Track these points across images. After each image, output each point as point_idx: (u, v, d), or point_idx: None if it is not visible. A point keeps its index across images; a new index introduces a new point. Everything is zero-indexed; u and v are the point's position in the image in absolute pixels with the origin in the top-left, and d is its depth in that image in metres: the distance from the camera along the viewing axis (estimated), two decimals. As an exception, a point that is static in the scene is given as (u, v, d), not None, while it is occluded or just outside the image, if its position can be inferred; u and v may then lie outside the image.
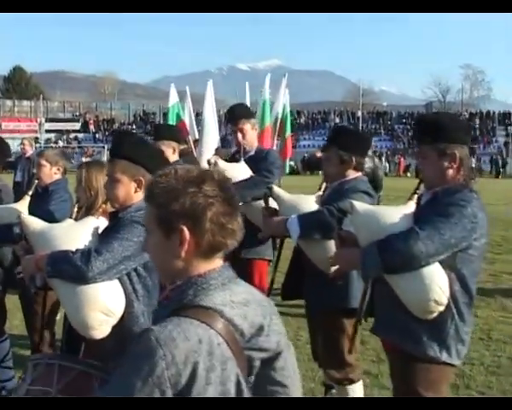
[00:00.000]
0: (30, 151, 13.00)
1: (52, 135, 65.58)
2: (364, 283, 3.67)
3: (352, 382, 4.42)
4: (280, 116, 12.16)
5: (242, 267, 5.28)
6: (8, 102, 74.03)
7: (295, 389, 2.19)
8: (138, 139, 3.91)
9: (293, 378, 2.19)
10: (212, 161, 5.52)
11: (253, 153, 5.72)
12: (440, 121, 3.46)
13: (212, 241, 1.98)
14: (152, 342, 1.81)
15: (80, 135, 67.18)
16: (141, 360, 1.82)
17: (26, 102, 73.53)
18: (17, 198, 5.34)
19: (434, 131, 3.37)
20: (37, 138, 59.42)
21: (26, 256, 3.67)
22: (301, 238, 4.21)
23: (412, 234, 3.16)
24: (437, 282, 3.18)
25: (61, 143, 63.59)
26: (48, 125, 66.17)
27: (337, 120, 65.63)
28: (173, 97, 11.75)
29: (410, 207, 3.52)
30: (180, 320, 1.88)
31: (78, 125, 68.56)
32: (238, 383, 1.90)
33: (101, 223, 3.71)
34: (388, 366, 3.82)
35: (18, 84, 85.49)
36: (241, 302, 2.01)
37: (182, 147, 9.52)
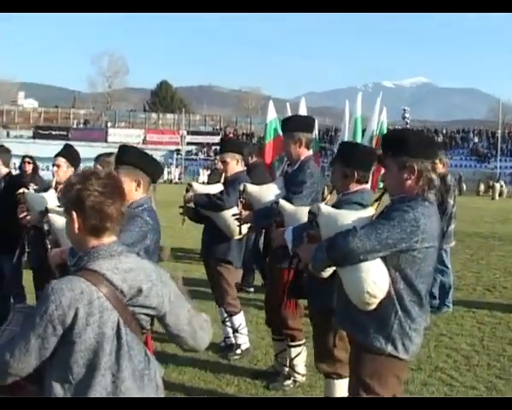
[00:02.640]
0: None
1: (193, 147, 68.07)
2: (315, 275, 4.12)
3: (340, 377, 4.77)
4: (376, 133, 12.40)
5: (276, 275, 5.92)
6: (154, 115, 77.75)
7: (193, 339, 3.00)
8: (137, 149, 4.68)
9: (190, 331, 2.96)
10: (241, 188, 6.07)
11: (296, 166, 5.92)
12: (403, 137, 3.84)
13: (94, 223, 2.71)
14: (48, 290, 2.59)
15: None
16: (41, 302, 2.61)
17: (169, 116, 76.88)
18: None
19: (396, 145, 3.75)
20: (178, 150, 62.02)
21: (54, 249, 4.56)
22: (294, 247, 4.65)
23: (352, 232, 3.59)
24: (372, 276, 3.54)
25: (201, 156, 66.02)
26: (189, 138, 68.67)
27: (476, 140, 63.91)
28: (271, 114, 12.26)
29: (369, 212, 3.90)
30: (72, 277, 2.65)
31: (217, 139, 70.71)
32: (118, 328, 2.65)
33: None
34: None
35: (164, 99, 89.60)
36: (124, 270, 2.70)
37: (254, 159, 10.11)
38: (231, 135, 70.25)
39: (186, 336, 2.95)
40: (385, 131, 13.35)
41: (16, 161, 14.17)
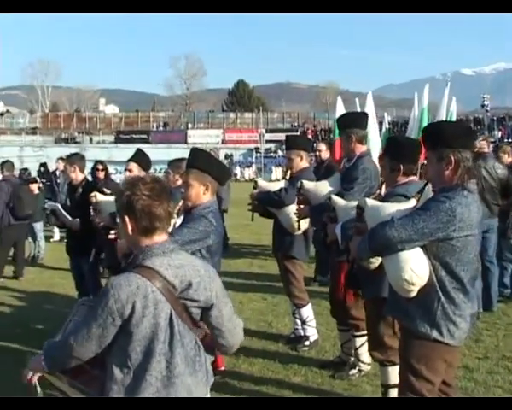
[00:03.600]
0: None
1: (272, 145, 68.33)
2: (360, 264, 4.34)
3: (393, 364, 4.92)
4: (446, 123, 12.39)
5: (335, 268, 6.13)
6: (232, 115, 78.49)
7: (231, 335, 3.28)
8: (207, 154, 4.90)
9: (229, 327, 3.23)
10: (298, 184, 6.29)
11: (352, 163, 6.02)
12: (439, 129, 4.00)
13: (145, 224, 3.02)
14: (108, 286, 2.92)
15: (298, 144, 69.00)
16: (102, 297, 2.94)
17: (247, 114, 77.41)
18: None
19: (433, 138, 3.90)
20: (257, 148, 62.38)
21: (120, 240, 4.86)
22: (344, 241, 4.84)
23: (389, 222, 3.79)
24: (410, 265, 3.72)
25: (280, 153, 66.24)
26: (268, 136, 68.84)
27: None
28: (340, 109, 12.37)
29: (411, 203, 4.04)
30: (129, 274, 2.96)
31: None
32: (170, 319, 2.97)
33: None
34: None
35: (241, 98, 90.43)
36: (176, 266, 3.01)
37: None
38: (309, 131, 70.32)
39: (225, 331, 3.23)
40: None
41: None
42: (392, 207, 4.09)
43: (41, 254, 14.11)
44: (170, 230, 4.57)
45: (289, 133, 69.89)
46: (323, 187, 6.10)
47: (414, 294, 3.80)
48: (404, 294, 3.85)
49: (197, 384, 3.10)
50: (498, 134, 52.75)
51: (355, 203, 4.80)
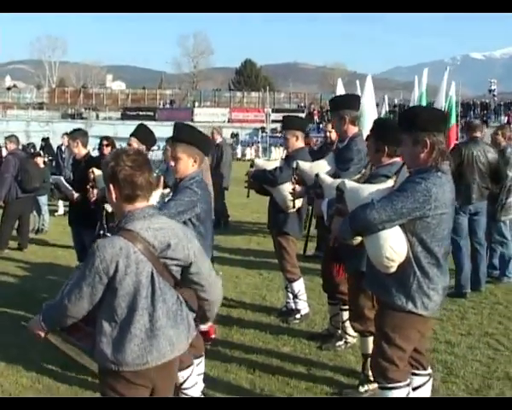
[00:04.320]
0: (219, 139, 14.52)
1: (278, 125, 68.22)
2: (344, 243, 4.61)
3: (372, 334, 5.19)
4: (446, 107, 12.63)
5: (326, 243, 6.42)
6: (239, 94, 78.45)
7: (212, 289, 3.65)
8: (191, 127, 5.15)
9: (209, 281, 3.60)
10: (294, 165, 6.55)
11: (345, 143, 6.30)
12: (415, 113, 4.28)
13: (127, 192, 3.34)
14: (94, 248, 3.24)
15: (305, 125, 69.01)
16: (89, 259, 3.27)
17: (254, 94, 77.35)
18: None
19: (409, 122, 4.16)
20: (263, 128, 62.41)
21: None
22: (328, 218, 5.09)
23: (370, 204, 4.05)
24: (389, 243, 4.00)
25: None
26: (274, 116, 68.67)
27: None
28: (340, 91, 12.61)
29: (389, 184, 4.31)
30: (113, 237, 3.30)
31: (302, 116, 70.52)
32: (151, 277, 3.30)
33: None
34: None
35: (248, 77, 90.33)
36: (155, 228, 3.34)
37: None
38: (316, 112, 70.27)
39: (206, 285, 3.59)
40: (454, 106, 13.60)
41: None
42: (370, 189, 4.36)
43: (45, 228, 14.41)
44: (158, 203, 4.89)
45: (295, 114, 70.39)
46: (318, 167, 6.34)
47: (393, 270, 4.08)
48: (384, 270, 4.13)
49: (178, 336, 3.45)
50: (505, 119, 52.75)
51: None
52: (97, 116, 69.93)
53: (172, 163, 4.92)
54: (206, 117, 63.85)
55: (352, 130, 6.24)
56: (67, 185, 8.07)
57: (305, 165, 6.54)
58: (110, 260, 3.20)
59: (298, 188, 6.63)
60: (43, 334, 3.51)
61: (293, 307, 7.57)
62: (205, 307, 3.70)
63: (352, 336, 6.47)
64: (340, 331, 6.64)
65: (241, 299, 8.44)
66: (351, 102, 6.47)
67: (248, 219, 15.72)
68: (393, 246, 3.99)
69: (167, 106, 74.36)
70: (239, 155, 54.10)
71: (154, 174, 5.35)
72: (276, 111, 70.08)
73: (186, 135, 4.86)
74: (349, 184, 4.49)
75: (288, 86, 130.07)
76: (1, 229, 12.08)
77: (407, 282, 4.09)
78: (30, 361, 6.25)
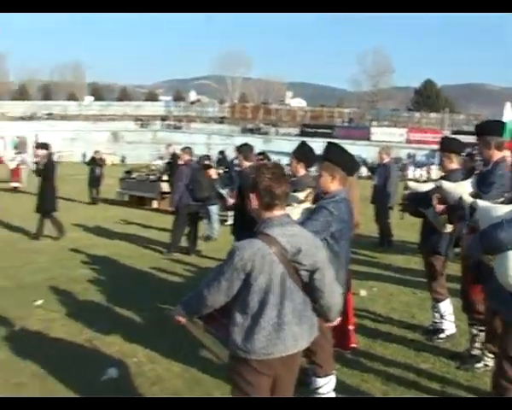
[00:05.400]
0: (386, 159, 14.73)
1: (455, 147, 66.55)
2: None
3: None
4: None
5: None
6: (417, 115, 77.19)
7: (330, 296, 4.01)
8: (339, 148, 5.49)
9: (329, 289, 3.96)
10: (438, 184, 6.78)
11: (489, 167, 6.52)
12: None
13: (267, 200, 3.79)
14: (234, 248, 3.73)
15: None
16: (229, 257, 3.73)
17: (433, 115, 75.79)
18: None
19: None
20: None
21: None
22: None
23: (500, 224, 4.22)
24: None
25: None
26: (452, 138, 67.05)
27: None
28: (508, 115, 12.42)
29: None
30: (251, 239, 3.74)
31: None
32: (282, 277, 3.73)
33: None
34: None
35: (428, 98, 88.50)
36: (289, 235, 3.76)
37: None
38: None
39: (325, 292, 3.96)
40: None
41: (283, 158, 15.49)
42: (503, 209, 4.52)
43: (214, 235, 15.29)
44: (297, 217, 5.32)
45: (472, 136, 67.74)
46: (462, 188, 6.49)
47: None
48: (510, 289, 4.27)
49: (302, 333, 3.87)
50: None
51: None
52: (277, 132, 71.68)
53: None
54: (383, 136, 63.48)
55: (497, 155, 6.43)
56: (226, 195, 8.79)
57: (448, 185, 6.70)
58: (248, 258, 3.67)
59: (439, 207, 6.82)
60: (183, 320, 4.08)
61: (440, 326, 7.68)
62: (322, 312, 4.07)
63: (491, 357, 6.51)
64: (480, 353, 6.69)
65: (390, 315, 8.64)
66: (495, 128, 6.67)
67: (412, 240, 15.68)
68: None
69: (345, 124, 74.74)
70: (410, 176, 53.37)
71: (309, 191, 5.84)
72: (454, 133, 68.10)
73: (331, 155, 5.31)
74: (482, 203, 4.69)
75: (470, 108, 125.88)
76: (172, 233, 13.11)
77: None
78: (182, 352, 6.96)
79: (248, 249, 3.70)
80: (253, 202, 3.87)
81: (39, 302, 9.09)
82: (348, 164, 5.38)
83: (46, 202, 14.71)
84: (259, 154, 9.60)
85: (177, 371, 6.57)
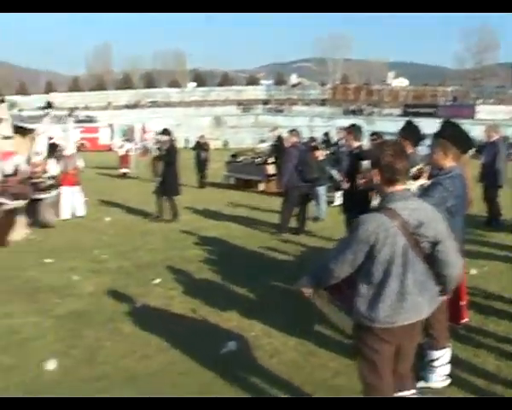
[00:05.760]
0: (495, 136, 14.43)
1: None
2: None
3: None
4: None
5: None
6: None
7: (452, 267, 4.08)
8: (455, 126, 5.58)
9: (451, 260, 4.04)
10: None
11: None
12: None
13: (388, 176, 3.93)
14: (359, 221, 3.92)
15: None
16: (353, 230, 3.94)
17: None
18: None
19: None
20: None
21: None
22: None
23: None
24: None
25: None
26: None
27: None
28: None
29: None
30: (375, 213, 3.93)
31: None
32: (405, 249, 3.87)
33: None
34: None
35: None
36: (411, 208, 3.91)
37: None
38: None
39: (449, 262, 4.05)
40: None
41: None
42: None
43: (322, 216, 15.46)
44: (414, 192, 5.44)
45: None
46: None
47: None
48: None
49: (423, 303, 4.02)
50: None
51: None
52: (379, 113, 70.84)
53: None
54: (488, 115, 61.65)
55: None
56: (338, 176, 8.92)
57: None
58: (372, 231, 3.85)
59: None
60: (308, 292, 4.28)
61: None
62: (444, 281, 4.15)
63: None
64: None
65: (502, 293, 8.56)
66: None
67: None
68: None
69: (449, 103, 72.98)
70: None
71: (419, 166, 5.94)
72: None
73: (446, 133, 5.41)
74: None
75: None
76: (282, 214, 13.37)
77: None
78: (297, 327, 7.24)
79: (372, 222, 3.87)
80: (376, 177, 4.03)
81: (157, 281, 9.52)
82: (463, 142, 5.46)
83: (168, 187, 15.27)
84: (373, 134, 9.69)
85: (293, 344, 6.82)
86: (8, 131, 13.67)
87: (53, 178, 15.04)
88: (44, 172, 14.86)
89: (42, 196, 14.65)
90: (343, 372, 6.01)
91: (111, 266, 10.70)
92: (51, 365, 6.36)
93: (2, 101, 14.08)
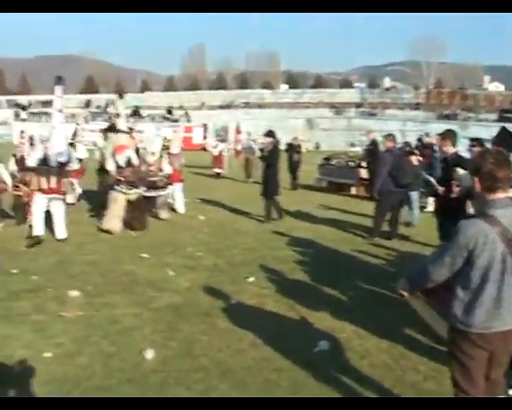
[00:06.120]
0: None
1: None
2: None
3: None
4: None
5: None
6: None
7: None
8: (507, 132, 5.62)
9: None
10: None
11: None
12: None
13: (488, 184, 3.99)
14: (457, 227, 3.99)
15: None
16: (454, 236, 4.00)
17: None
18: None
19: None
20: None
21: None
22: None
23: None
24: None
25: None
26: None
27: None
28: None
29: None
30: (475, 219, 3.99)
31: None
32: (503, 254, 3.92)
33: None
34: None
35: None
36: (510, 216, 3.94)
37: None
38: None
39: None
40: None
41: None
42: None
43: (414, 222, 15.34)
44: None
45: None
46: None
47: None
48: None
49: None
50: None
51: None
52: (476, 117, 69.07)
53: None
54: None
55: None
56: (434, 182, 8.89)
57: None
58: (471, 237, 3.93)
59: None
60: (406, 294, 4.39)
61: None
62: None
63: None
64: None
65: None
66: None
67: None
68: None
69: (547, 108, 70.31)
70: None
71: None
72: None
73: (499, 137, 5.44)
74: None
75: None
76: (375, 219, 13.39)
77: None
78: (388, 330, 7.36)
79: (471, 228, 3.94)
80: (476, 185, 4.09)
81: (251, 279, 9.76)
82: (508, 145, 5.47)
83: (270, 187, 15.45)
84: (473, 140, 9.57)
85: (384, 347, 6.91)
86: (124, 126, 14.27)
87: (167, 176, 15.71)
88: (160, 170, 15.53)
89: (159, 193, 15.36)
90: (433, 377, 6.07)
91: (205, 263, 10.98)
92: (150, 354, 6.65)
93: (121, 96, 14.66)
